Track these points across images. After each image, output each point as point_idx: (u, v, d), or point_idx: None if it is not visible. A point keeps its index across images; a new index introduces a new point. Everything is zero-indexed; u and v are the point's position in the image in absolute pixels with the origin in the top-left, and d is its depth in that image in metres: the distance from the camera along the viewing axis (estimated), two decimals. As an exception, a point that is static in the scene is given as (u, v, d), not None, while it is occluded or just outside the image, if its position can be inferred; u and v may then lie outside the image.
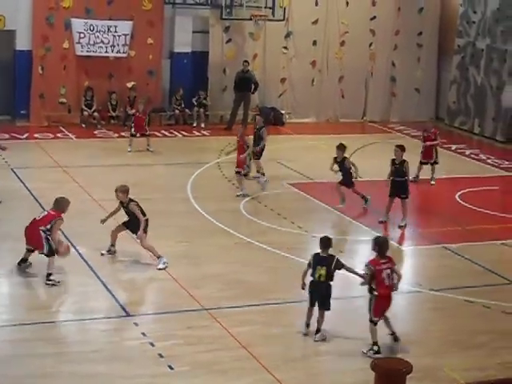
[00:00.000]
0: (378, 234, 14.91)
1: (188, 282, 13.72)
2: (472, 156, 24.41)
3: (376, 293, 11.61)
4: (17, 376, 10.61)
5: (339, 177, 18.25)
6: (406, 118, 28.58)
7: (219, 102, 26.67)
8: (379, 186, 18.21)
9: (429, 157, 20.97)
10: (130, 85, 25.51)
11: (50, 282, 13.30)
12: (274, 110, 27.17)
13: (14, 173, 19.61)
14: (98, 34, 24.90)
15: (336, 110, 28.31)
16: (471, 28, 27.53)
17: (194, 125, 25.97)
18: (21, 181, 18.99)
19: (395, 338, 11.88)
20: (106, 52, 25.24)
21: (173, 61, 26.48)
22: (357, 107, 28.55)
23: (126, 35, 25.23)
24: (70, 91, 25.20)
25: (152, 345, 11.58)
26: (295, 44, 27.53)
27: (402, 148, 17.59)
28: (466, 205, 19.17)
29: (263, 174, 19.85)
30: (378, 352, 11.50)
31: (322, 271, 11.96)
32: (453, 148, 24.92)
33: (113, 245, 14.72)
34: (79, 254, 14.56)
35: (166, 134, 24.99)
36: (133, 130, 22.39)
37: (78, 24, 24.76)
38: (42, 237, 13.41)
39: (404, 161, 17.41)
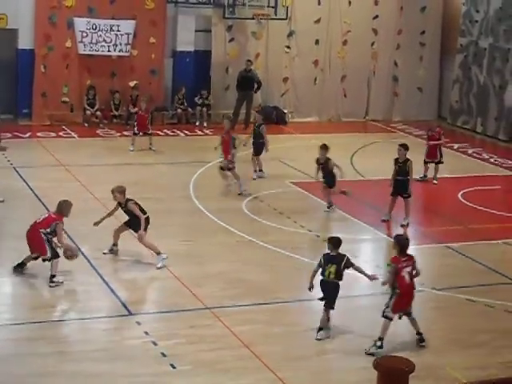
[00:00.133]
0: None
1: (190, 281, 13.71)
2: (474, 155, 24.36)
3: (398, 290, 11.67)
4: (19, 375, 10.61)
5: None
6: (408, 117, 28.51)
7: (222, 101, 26.63)
8: (382, 185, 18.20)
9: (433, 156, 20.91)
10: (132, 84, 25.51)
11: (54, 284, 13.28)
12: (277, 109, 27.15)
13: (17, 172, 19.60)
14: (100, 33, 24.87)
15: (338, 109, 28.27)
16: (474, 27, 27.48)
17: (197, 124, 25.93)
18: (23, 180, 18.98)
19: (421, 340, 11.86)
20: (109, 51, 25.19)
21: (175, 60, 26.46)
22: (359, 106, 28.50)
23: (128, 34, 25.19)
24: (72, 90, 25.19)
25: (154, 344, 11.58)
26: (298, 43, 27.50)
27: (405, 147, 17.57)
28: (469, 204, 19.14)
29: (261, 171, 20.10)
30: (380, 347, 11.49)
31: (332, 269, 12.00)
32: (455, 147, 24.85)
33: (115, 244, 14.71)
34: (81, 253, 14.51)
35: (169, 133, 24.97)
36: (135, 128, 22.36)
37: (80, 23, 24.71)
38: (42, 239, 13.37)
39: (407, 160, 17.39)
